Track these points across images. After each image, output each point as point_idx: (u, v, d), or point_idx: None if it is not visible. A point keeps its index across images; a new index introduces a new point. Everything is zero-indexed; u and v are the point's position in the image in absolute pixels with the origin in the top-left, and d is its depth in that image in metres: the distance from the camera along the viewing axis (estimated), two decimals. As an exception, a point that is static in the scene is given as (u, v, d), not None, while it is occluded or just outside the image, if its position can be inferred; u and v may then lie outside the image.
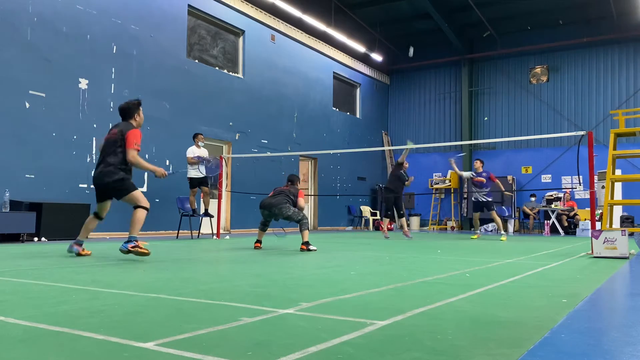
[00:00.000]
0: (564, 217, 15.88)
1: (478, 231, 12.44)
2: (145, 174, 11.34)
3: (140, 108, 6.19)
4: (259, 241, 7.79)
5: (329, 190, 17.48)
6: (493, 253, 7.23)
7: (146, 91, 11.41)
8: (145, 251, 5.58)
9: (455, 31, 18.65)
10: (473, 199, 11.89)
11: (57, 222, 8.96)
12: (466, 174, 12.30)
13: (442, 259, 6.14)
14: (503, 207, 17.59)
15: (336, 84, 18.82)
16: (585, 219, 15.19)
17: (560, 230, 15.66)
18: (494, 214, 11.57)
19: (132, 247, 5.51)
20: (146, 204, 5.79)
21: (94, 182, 5.82)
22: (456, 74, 20.39)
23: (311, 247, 7.30)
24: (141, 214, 5.74)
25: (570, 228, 15.72)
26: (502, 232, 11.86)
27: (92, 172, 5.83)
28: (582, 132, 7.78)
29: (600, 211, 12.20)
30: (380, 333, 2.21)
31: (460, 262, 5.68)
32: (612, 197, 8.02)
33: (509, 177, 18.54)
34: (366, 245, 9.00)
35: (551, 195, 16.79)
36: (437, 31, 19.00)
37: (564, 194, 16.66)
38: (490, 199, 11.56)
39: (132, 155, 5.71)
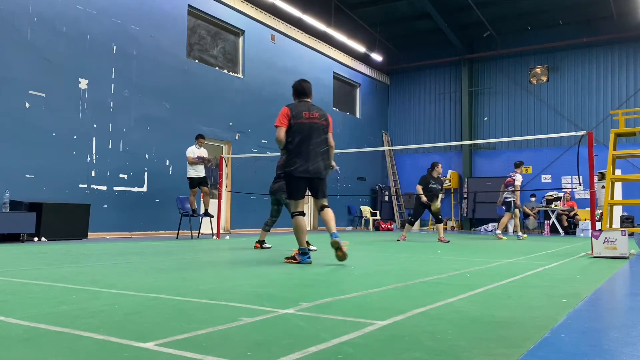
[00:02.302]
0: (564, 217, 15.87)
1: (521, 232, 12.52)
2: (145, 174, 11.35)
3: None
4: (259, 242, 7.64)
5: (329, 190, 17.38)
6: (493, 253, 7.23)
7: (146, 91, 11.42)
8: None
9: (455, 31, 18.65)
10: (507, 199, 11.98)
11: (57, 222, 8.96)
12: (518, 180, 11.92)
13: (442, 259, 6.14)
14: (503, 207, 17.58)
15: (336, 84, 18.82)
16: (585, 219, 15.19)
17: (560, 230, 15.66)
18: (508, 216, 11.99)
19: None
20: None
21: (310, 175, 5.27)
22: (456, 73, 20.39)
23: (265, 246, 7.35)
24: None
25: (570, 228, 15.71)
26: (519, 233, 12.26)
27: (305, 166, 5.22)
28: (582, 132, 7.78)
29: (600, 211, 12.20)
30: (380, 333, 2.21)
31: (460, 262, 5.68)
32: (612, 197, 8.02)
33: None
34: (366, 245, 9.00)
35: (551, 195, 16.78)
36: (437, 31, 19.00)
37: (564, 194, 16.66)
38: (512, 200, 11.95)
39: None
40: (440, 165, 10.87)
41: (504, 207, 12.25)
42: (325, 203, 5.47)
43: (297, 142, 5.20)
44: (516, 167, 12.03)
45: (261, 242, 7.61)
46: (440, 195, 10.82)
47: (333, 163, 5.60)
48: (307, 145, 5.21)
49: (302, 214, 5.29)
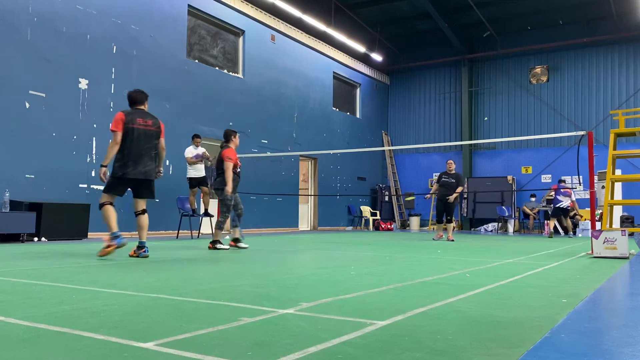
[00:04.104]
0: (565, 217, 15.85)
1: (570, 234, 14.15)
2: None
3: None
4: (234, 239, 7.51)
5: (329, 190, 17.48)
6: (493, 253, 7.23)
7: (146, 91, 11.39)
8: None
9: (455, 31, 18.65)
10: (557, 206, 13.71)
11: (57, 222, 8.96)
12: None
13: (442, 259, 6.14)
14: (503, 207, 17.60)
15: (336, 84, 18.82)
16: (585, 219, 15.18)
17: (560, 231, 15.65)
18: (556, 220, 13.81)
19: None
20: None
21: (142, 177, 5.74)
22: (456, 74, 20.39)
23: (219, 246, 7.20)
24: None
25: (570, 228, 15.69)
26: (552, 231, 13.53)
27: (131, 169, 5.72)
28: (582, 132, 7.78)
29: (600, 211, 12.21)
30: (380, 333, 2.21)
31: (460, 262, 5.68)
32: (612, 197, 8.02)
33: (509, 177, 18.55)
34: (366, 245, 9.00)
35: (551, 196, 16.77)
36: (437, 31, 19.00)
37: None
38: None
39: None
40: (449, 162, 11.26)
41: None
42: (145, 207, 5.85)
43: (130, 146, 5.65)
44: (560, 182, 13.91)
45: (214, 243, 7.38)
46: (460, 188, 11.01)
47: (161, 168, 6.00)
48: (139, 149, 5.67)
49: (111, 204, 5.68)
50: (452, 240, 10.66)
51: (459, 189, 10.95)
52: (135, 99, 5.89)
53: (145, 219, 5.82)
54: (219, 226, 7.29)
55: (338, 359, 1.82)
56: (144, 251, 5.74)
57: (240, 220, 7.78)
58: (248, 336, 2.14)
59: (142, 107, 5.91)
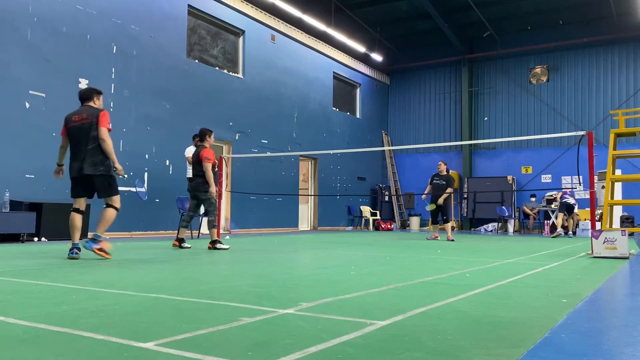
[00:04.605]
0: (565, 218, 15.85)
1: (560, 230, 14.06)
2: (145, 174, 11.36)
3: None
4: (178, 239, 7.37)
5: (329, 190, 17.48)
6: (493, 253, 7.23)
7: (146, 91, 11.42)
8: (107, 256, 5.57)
9: (455, 31, 18.65)
10: (565, 201, 14.03)
11: (57, 222, 8.95)
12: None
13: (442, 259, 6.14)
14: (503, 207, 17.60)
15: (336, 84, 18.82)
16: (585, 219, 15.18)
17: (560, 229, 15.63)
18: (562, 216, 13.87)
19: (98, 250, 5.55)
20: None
21: (80, 173, 5.53)
22: (456, 74, 20.39)
23: (219, 246, 7.16)
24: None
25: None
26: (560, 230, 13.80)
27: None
28: (582, 132, 7.78)
29: (600, 211, 12.21)
30: (380, 333, 2.21)
31: (460, 262, 5.68)
32: (612, 197, 8.02)
33: (509, 177, 18.55)
34: (366, 245, 9.00)
35: (551, 195, 16.77)
36: (437, 31, 19.00)
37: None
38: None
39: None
40: (439, 163, 11.39)
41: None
42: (110, 202, 5.62)
43: (71, 145, 5.59)
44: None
45: (180, 241, 7.35)
46: (449, 190, 11.08)
47: (114, 163, 5.60)
48: (77, 146, 5.54)
49: (77, 210, 5.57)
50: (452, 240, 10.69)
51: (449, 190, 11.05)
52: (81, 96, 5.76)
53: (106, 211, 5.58)
54: (213, 225, 7.29)
55: (338, 359, 1.82)
56: (72, 252, 5.43)
57: (197, 220, 7.69)
58: (248, 336, 2.14)
59: (90, 103, 5.70)
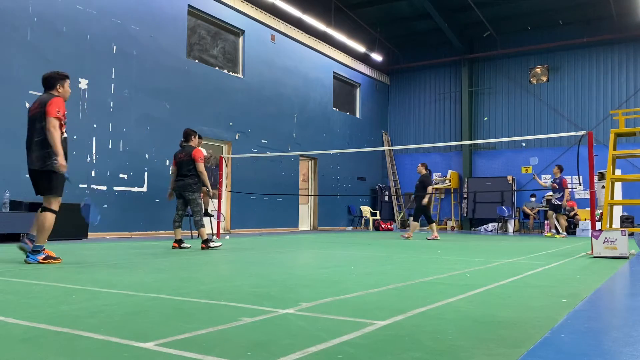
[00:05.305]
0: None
1: (553, 230, 13.97)
2: (145, 174, 11.36)
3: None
4: (177, 241, 7.28)
5: (329, 190, 17.48)
6: (493, 253, 7.23)
7: (146, 91, 11.41)
8: (57, 260, 5.16)
9: (455, 31, 18.65)
10: (549, 201, 14.02)
11: (57, 222, 8.89)
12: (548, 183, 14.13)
13: (442, 259, 6.14)
14: (503, 207, 17.60)
15: (336, 84, 18.82)
16: (585, 219, 15.18)
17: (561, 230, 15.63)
18: (558, 217, 13.65)
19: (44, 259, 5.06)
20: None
21: (29, 167, 5.10)
22: (456, 74, 20.38)
23: (212, 244, 7.14)
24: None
25: (570, 228, 15.70)
26: (562, 232, 13.58)
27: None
28: (582, 132, 7.78)
29: (600, 211, 12.20)
30: (380, 333, 2.21)
31: (460, 262, 5.68)
32: (612, 197, 8.02)
33: (509, 177, 18.55)
34: (366, 245, 8.99)
35: (551, 196, 16.76)
36: (437, 31, 18.99)
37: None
38: (560, 203, 13.50)
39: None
40: (419, 165, 11.92)
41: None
42: (46, 204, 5.09)
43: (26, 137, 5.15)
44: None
45: (179, 242, 7.29)
46: (429, 193, 11.50)
47: (59, 158, 4.92)
48: (29, 138, 5.09)
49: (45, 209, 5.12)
50: (408, 238, 11.29)
51: (429, 189, 11.46)
52: (44, 82, 5.17)
53: (40, 217, 5.07)
54: (200, 225, 7.25)
55: (338, 359, 1.82)
56: (27, 257, 5.05)
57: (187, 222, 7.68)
58: (248, 336, 2.14)
59: (52, 91, 5.11)
